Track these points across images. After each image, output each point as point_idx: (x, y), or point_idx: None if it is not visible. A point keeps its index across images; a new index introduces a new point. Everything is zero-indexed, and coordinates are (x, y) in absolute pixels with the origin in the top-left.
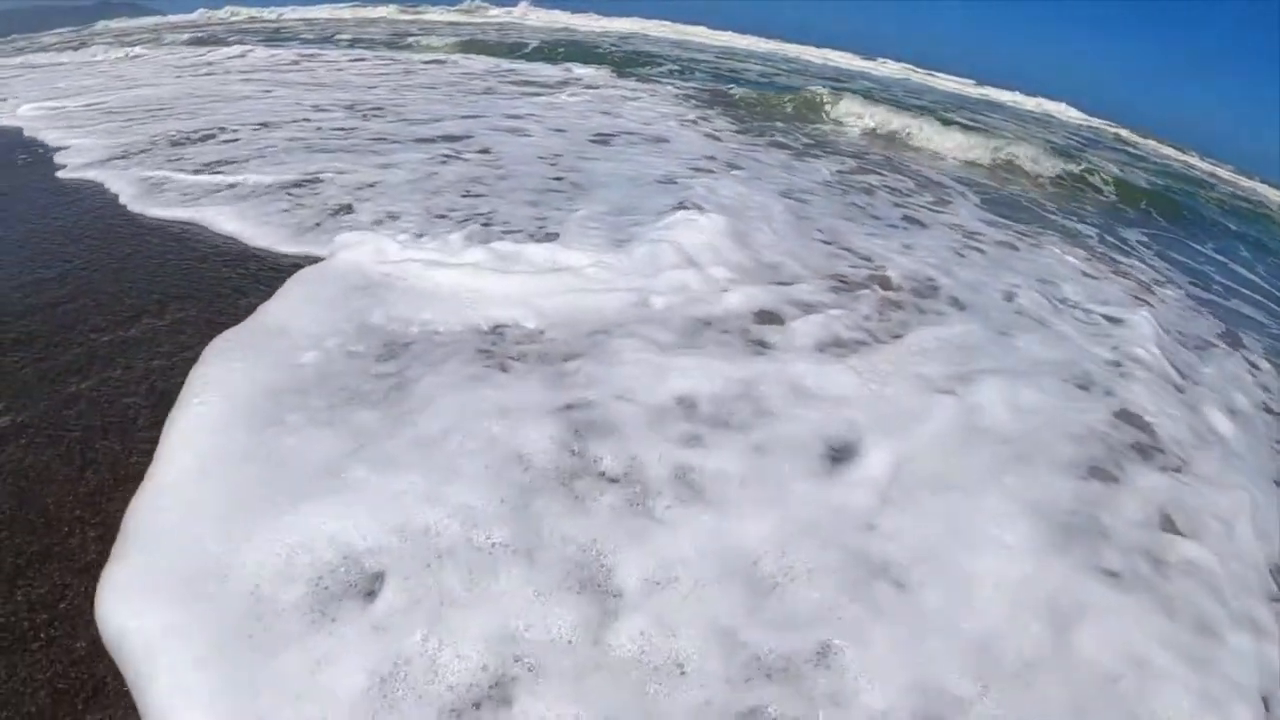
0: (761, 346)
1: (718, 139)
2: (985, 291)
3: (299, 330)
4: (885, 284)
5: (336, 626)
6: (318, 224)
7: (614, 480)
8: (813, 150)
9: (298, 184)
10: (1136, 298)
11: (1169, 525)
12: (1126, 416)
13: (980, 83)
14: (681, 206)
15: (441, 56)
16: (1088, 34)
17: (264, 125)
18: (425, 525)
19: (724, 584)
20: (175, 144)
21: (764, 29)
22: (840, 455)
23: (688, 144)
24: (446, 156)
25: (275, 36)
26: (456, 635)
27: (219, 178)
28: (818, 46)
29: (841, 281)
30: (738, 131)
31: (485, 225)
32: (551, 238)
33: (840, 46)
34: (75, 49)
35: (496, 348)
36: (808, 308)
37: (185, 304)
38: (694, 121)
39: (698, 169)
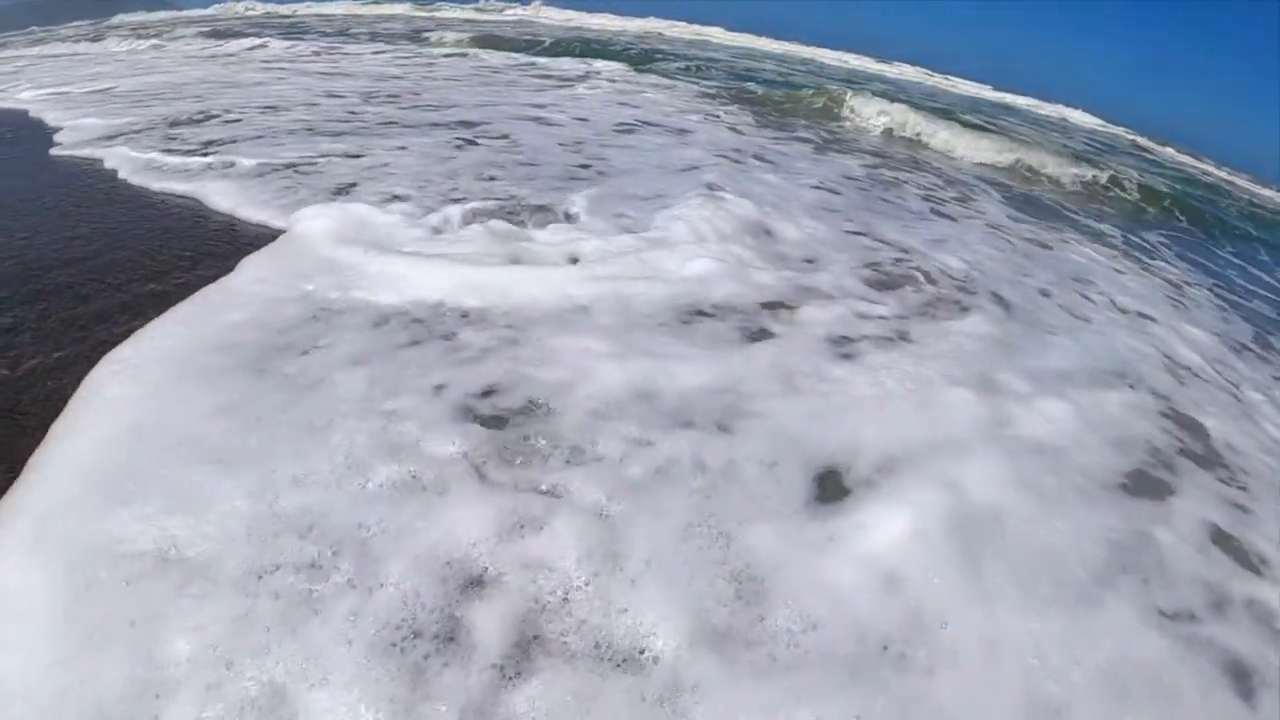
0: (763, 336)
1: (740, 133)
2: (1021, 287)
3: (234, 302)
4: (921, 277)
5: None
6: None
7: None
8: (834, 146)
9: (297, 164)
10: (1169, 297)
11: (1233, 554)
12: (1180, 421)
13: (997, 87)
14: (708, 192)
15: (460, 50)
16: (1106, 41)
17: (272, 109)
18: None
19: None
20: (176, 124)
21: (780, 31)
22: (828, 487)
23: (710, 136)
24: (464, 142)
25: (292, 30)
26: None
27: (214, 156)
28: (833, 49)
29: (876, 272)
30: (759, 126)
31: (500, 207)
32: (570, 219)
33: (857, 49)
34: (92, 41)
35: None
36: (829, 297)
37: (144, 273)
38: (715, 116)
39: (723, 158)
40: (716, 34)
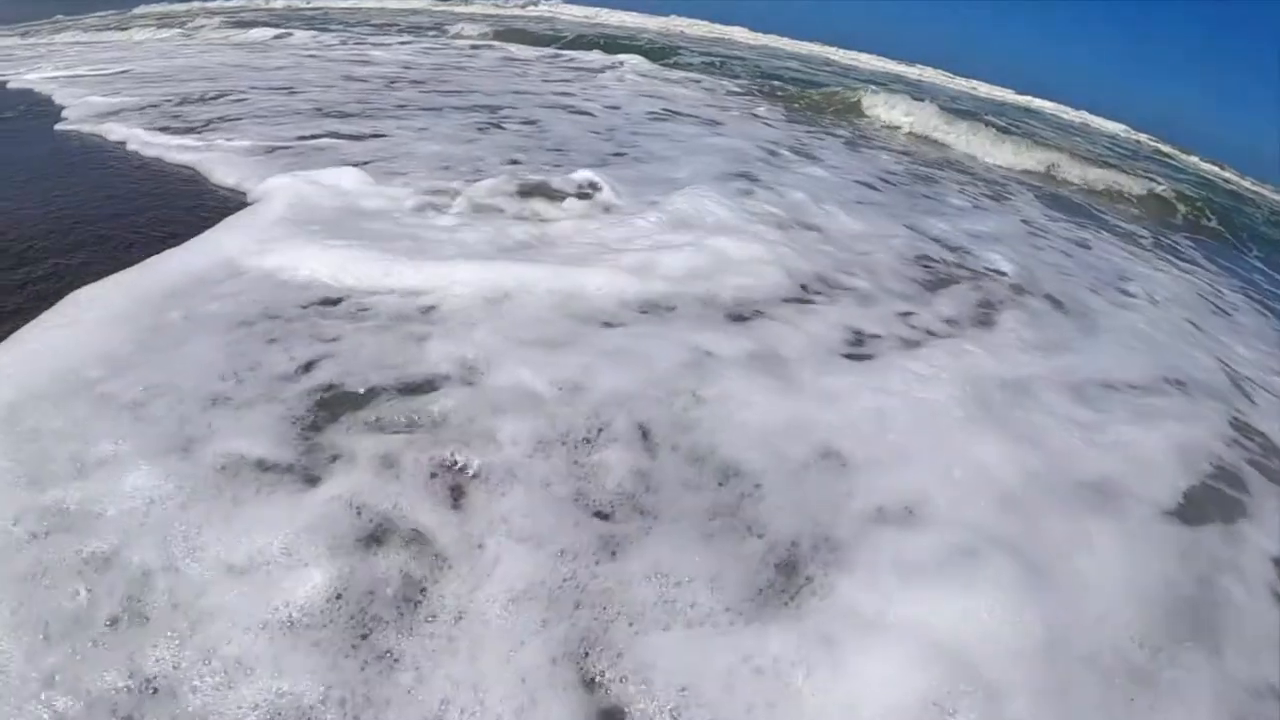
0: (741, 323)
1: (772, 126)
2: (1069, 286)
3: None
4: (971, 274)
5: None
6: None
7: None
8: (864, 143)
9: (303, 139)
10: (1206, 300)
11: None
12: (1249, 434)
13: (1019, 91)
14: (749, 183)
15: (485, 42)
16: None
17: (288, 90)
18: None
19: None
20: (185, 103)
21: (802, 32)
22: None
23: (743, 128)
24: (488, 125)
25: (314, 22)
26: None
27: (215, 132)
28: (856, 50)
29: (929, 271)
30: (789, 121)
31: (520, 190)
32: (605, 206)
33: (879, 51)
34: (116, 29)
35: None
36: (890, 295)
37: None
38: (745, 110)
39: (760, 149)
40: (739, 33)
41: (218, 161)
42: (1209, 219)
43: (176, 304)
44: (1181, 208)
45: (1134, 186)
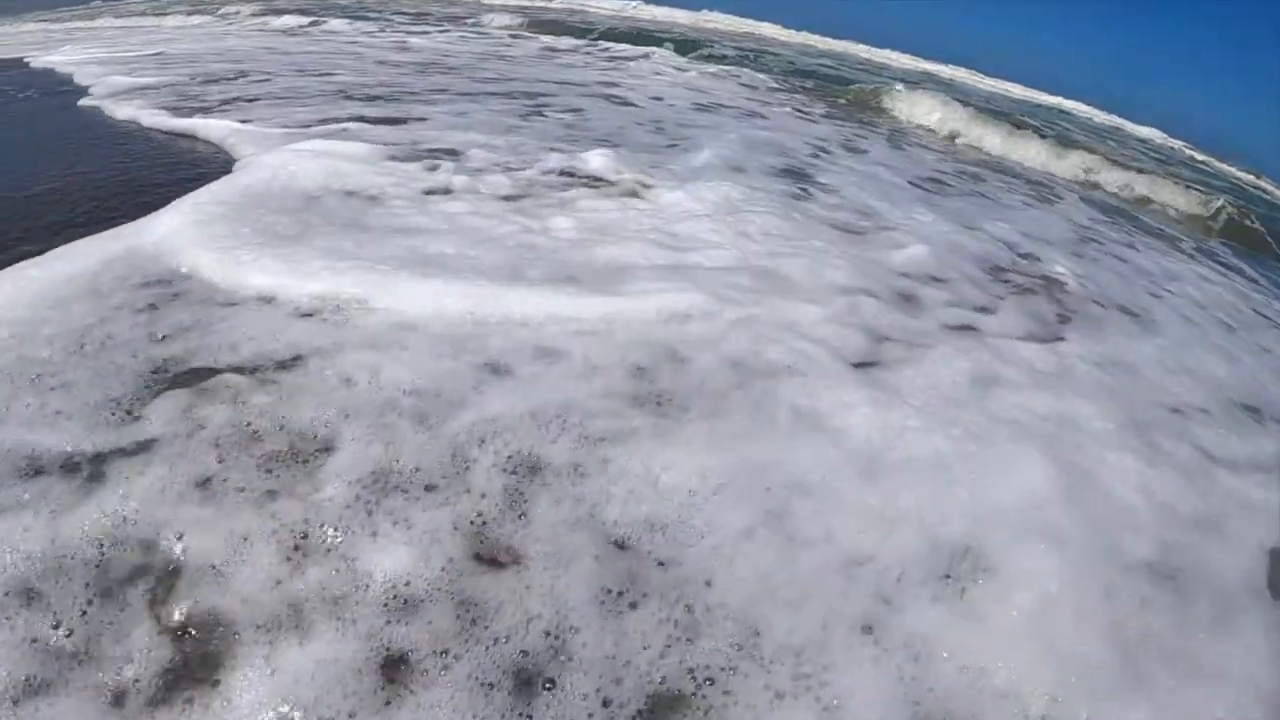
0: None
1: (814, 122)
2: (1129, 292)
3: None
4: (1048, 284)
5: None
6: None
7: None
8: (905, 140)
9: (324, 123)
10: (1257, 311)
11: None
12: None
13: (1050, 91)
14: (801, 178)
15: (521, 32)
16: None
17: (316, 74)
18: None
19: None
20: (208, 82)
21: (835, 30)
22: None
23: (786, 123)
24: (530, 112)
25: (349, 10)
26: None
27: (232, 114)
28: (894, 49)
29: (1005, 281)
30: (830, 118)
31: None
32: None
33: (913, 51)
34: (152, 15)
35: None
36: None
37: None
38: (785, 105)
39: (811, 146)
40: (771, 30)
41: (221, 140)
42: (1254, 224)
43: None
44: (1223, 216)
45: (1176, 194)
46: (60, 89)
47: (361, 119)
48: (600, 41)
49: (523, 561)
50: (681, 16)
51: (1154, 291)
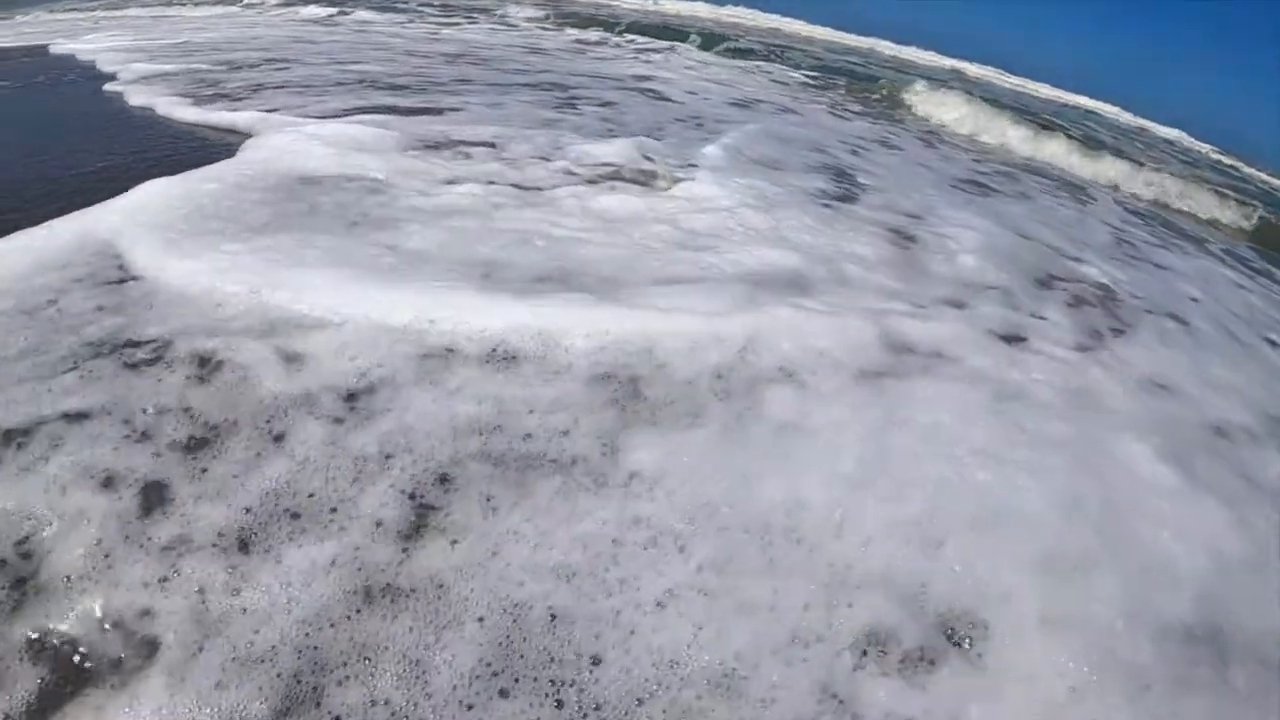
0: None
1: (848, 119)
2: (1169, 299)
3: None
4: (1098, 290)
5: None
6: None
7: None
8: (936, 138)
9: (347, 112)
10: None
11: None
12: None
13: (1072, 90)
14: (844, 178)
15: (547, 24)
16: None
17: (336, 62)
18: None
19: None
20: (231, 69)
21: (862, 28)
22: None
23: (821, 119)
24: (562, 103)
25: (377, 1)
26: None
27: (257, 100)
28: (917, 46)
29: (1062, 290)
30: (859, 113)
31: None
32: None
33: (936, 48)
34: (180, 4)
35: None
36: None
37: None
38: (818, 102)
39: (847, 145)
40: (797, 26)
41: (233, 125)
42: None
43: None
44: (1254, 219)
45: (1207, 199)
46: (78, 75)
47: (384, 108)
48: (627, 35)
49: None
50: (703, 10)
51: (1193, 296)
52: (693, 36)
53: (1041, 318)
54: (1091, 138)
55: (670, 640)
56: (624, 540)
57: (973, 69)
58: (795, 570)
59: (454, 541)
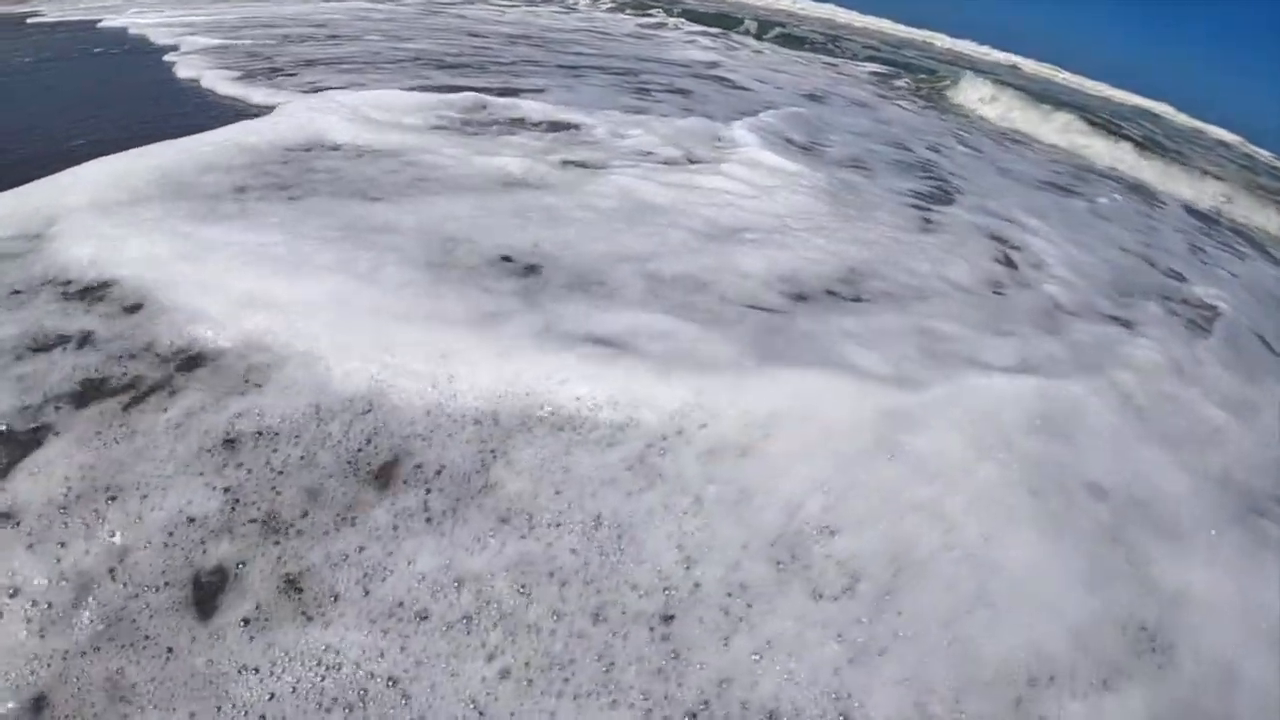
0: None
1: (920, 114)
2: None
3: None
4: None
5: None
6: None
7: None
8: (1004, 139)
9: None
10: None
11: None
12: None
13: (1131, 89)
14: (922, 168)
15: (610, 10)
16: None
17: (392, 39)
18: None
19: None
20: (285, 42)
21: (912, 16)
22: None
23: (894, 114)
24: (634, 89)
25: None
26: None
27: (306, 76)
28: (969, 39)
29: (1141, 295)
30: (926, 109)
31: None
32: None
33: (987, 41)
34: None
35: None
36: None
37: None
38: (886, 95)
39: (926, 144)
40: (849, 16)
41: (266, 100)
42: None
43: None
44: None
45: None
46: (131, 48)
47: (433, 85)
48: (686, 23)
49: None
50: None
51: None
52: (747, 22)
53: (1132, 327)
54: (1154, 140)
55: None
56: None
57: (1029, 64)
58: None
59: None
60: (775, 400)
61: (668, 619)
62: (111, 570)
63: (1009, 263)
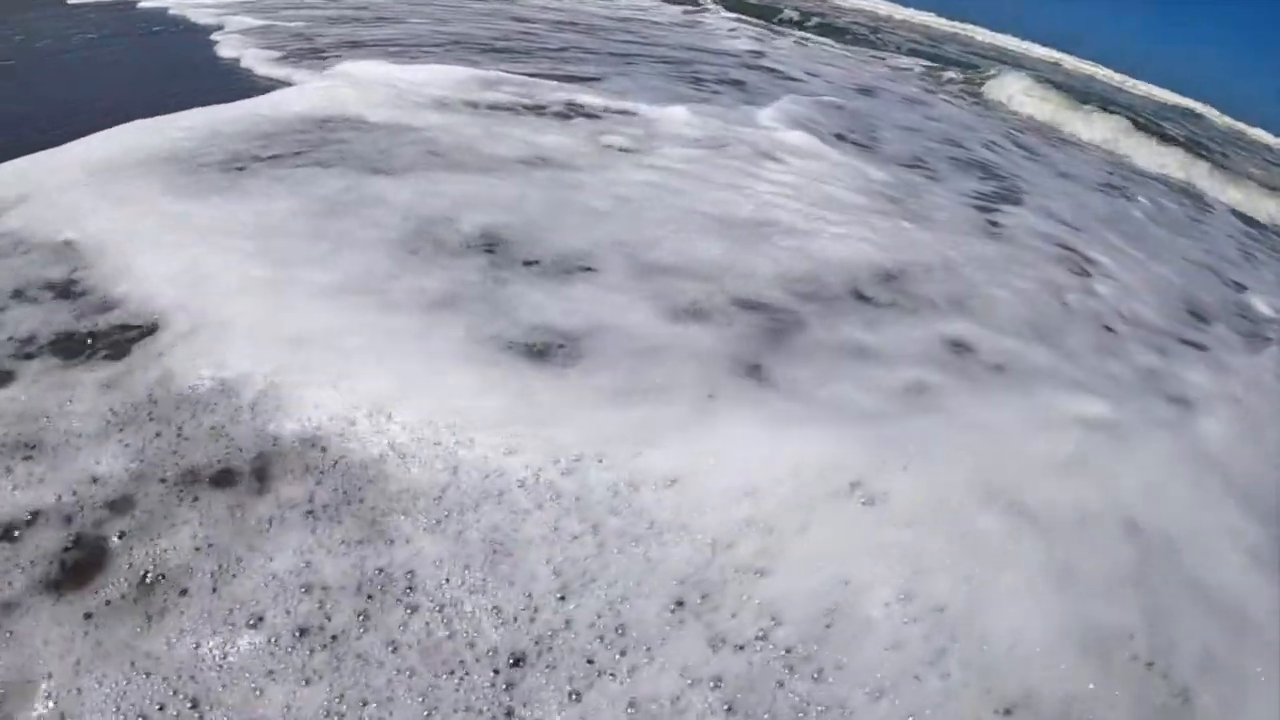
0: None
1: (970, 110)
2: None
3: None
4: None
5: None
6: None
7: None
8: (1057, 138)
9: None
10: None
11: None
12: None
13: (1173, 89)
14: (981, 168)
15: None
16: None
17: (434, 21)
18: None
19: None
20: (329, 23)
21: (952, 9)
22: None
23: (946, 111)
24: (686, 79)
25: None
26: None
27: (345, 58)
28: (1008, 33)
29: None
30: (974, 104)
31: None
32: None
33: (1037, 38)
34: None
35: None
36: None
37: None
38: (933, 91)
39: (979, 138)
40: (890, 9)
41: (288, 77)
42: None
43: None
44: None
45: None
46: (172, 28)
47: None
48: (721, 8)
49: None
50: None
51: None
52: (787, 11)
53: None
54: (1198, 142)
55: None
56: None
57: (1069, 60)
58: None
59: None
60: (732, 429)
61: (517, 662)
62: None
63: (1082, 272)
